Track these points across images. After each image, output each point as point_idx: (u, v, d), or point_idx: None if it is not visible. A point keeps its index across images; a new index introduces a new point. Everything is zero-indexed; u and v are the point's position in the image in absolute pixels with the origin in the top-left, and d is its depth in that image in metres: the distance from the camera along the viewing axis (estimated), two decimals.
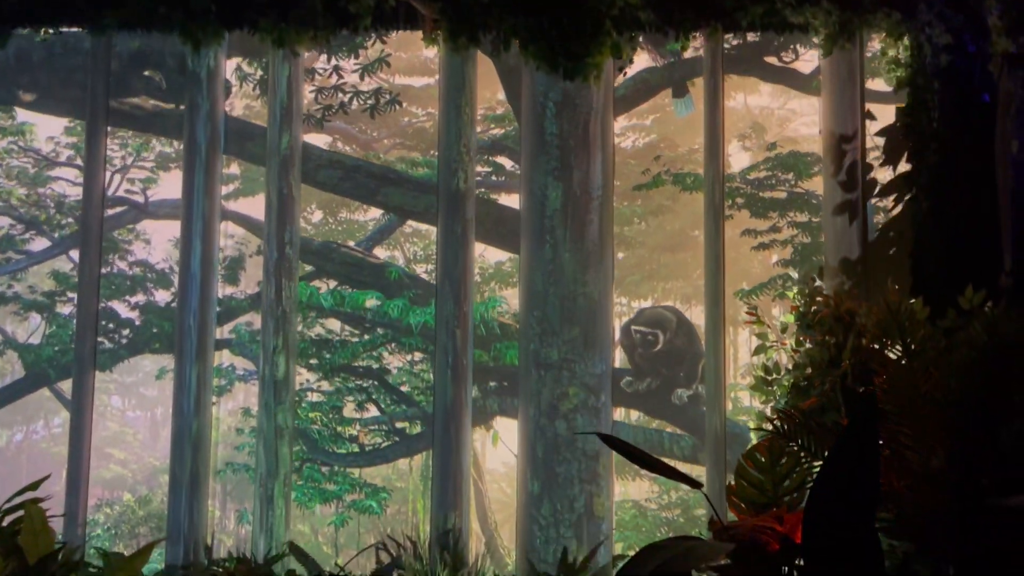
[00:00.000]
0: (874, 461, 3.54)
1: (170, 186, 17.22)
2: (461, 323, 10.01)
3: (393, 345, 15.55)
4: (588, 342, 10.49)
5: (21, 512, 4.77)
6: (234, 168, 18.97)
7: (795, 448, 4.34)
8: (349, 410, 15.87)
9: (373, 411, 15.83)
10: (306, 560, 7.34)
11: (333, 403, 15.57)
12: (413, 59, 21.46)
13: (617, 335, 14.04)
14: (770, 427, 4.49)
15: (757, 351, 6.18)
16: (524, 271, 10.71)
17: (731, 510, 4.39)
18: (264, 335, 10.68)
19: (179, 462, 10.10)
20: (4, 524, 4.70)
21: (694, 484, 4.10)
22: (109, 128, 12.45)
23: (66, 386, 16.03)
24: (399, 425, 15.69)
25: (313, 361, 15.34)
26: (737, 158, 18.95)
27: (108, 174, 14.19)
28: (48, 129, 17.86)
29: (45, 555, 4.46)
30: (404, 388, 15.86)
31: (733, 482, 4.28)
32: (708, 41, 9.33)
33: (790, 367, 5.67)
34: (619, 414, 16.04)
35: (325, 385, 15.79)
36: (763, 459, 4.25)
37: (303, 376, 15.39)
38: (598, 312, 10.51)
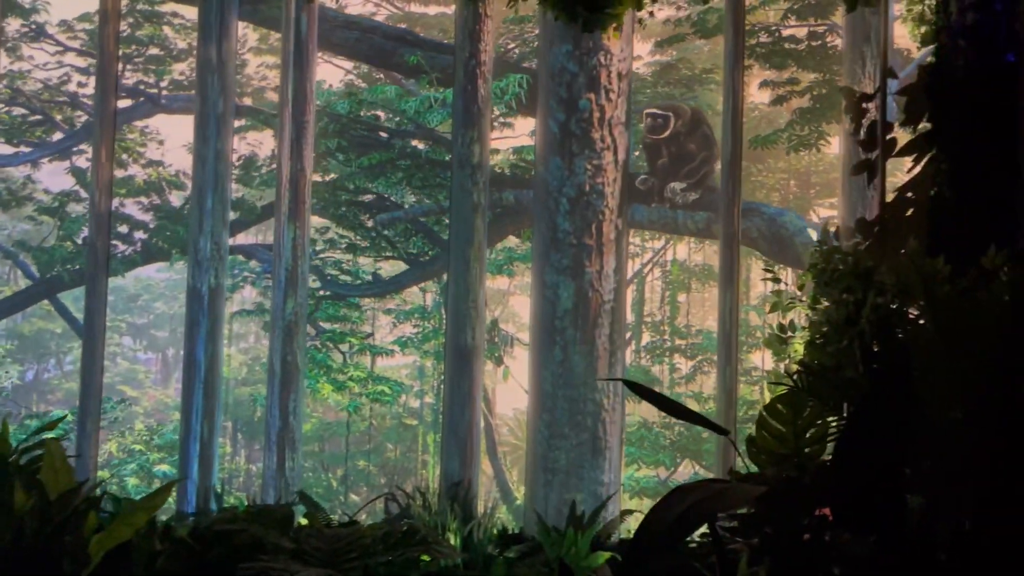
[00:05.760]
0: (903, 411, 3.61)
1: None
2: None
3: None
4: None
5: (39, 451, 4.59)
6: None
7: (814, 402, 4.35)
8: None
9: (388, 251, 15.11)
10: (316, 509, 7.13)
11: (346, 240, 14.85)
12: None
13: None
14: (788, 382, 4.43)
15: (773, 308, 6.02)
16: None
17: (751, 462, 4.38)
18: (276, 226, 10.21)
19: (188, 392, 9.80)
20: (22, 462, 4.51)
21: (721, 431, 4.11)
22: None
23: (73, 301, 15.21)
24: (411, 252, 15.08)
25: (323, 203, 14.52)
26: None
27: (120, 64, 13.34)
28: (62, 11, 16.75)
29: (65, 491, 4.39)
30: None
31: (754, 433, 4.24)
32: None
33: (805, 326, 5.52)
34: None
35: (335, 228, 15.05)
36: (784, 411, 4.22)
37: (316, 222, 14.52)
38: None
